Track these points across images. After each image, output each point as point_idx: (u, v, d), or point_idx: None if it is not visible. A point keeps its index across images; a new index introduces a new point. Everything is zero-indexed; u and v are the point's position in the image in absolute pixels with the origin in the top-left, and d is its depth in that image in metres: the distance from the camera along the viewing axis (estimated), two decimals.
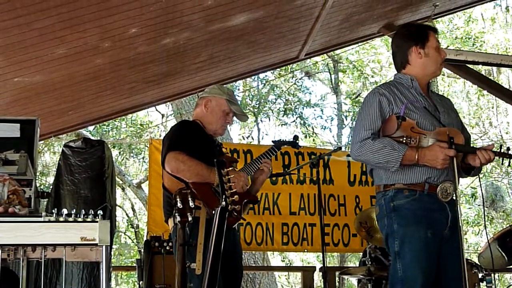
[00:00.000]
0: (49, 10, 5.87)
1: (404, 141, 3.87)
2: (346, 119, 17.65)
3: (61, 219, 2.85)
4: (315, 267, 8.82)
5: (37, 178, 5.32)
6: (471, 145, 4.31)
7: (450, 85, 17.38)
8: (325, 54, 13.59)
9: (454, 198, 3.99)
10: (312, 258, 19.43)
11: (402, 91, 4.12)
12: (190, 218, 3.58)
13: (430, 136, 3.94)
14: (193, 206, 3.61)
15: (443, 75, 16.57)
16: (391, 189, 4.02)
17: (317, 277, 11.31)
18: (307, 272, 8.38)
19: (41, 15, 5.89)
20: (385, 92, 4.10)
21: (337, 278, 8.25)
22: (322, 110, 18.14)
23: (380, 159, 3.94)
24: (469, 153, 4.02)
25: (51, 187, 8.01)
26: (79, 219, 2.86)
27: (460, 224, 3.92)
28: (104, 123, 14.15)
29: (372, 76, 17.38)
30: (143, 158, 16.77)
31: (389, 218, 4.00)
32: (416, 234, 3.89)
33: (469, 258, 4.76)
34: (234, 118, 5.01)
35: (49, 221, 2.83)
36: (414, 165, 3.94)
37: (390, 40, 4.36)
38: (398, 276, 3.91)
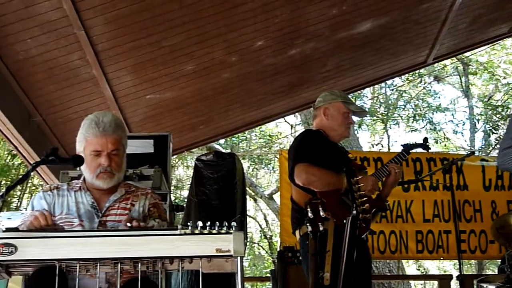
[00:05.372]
0: (178, 28, 6.05)
1: None
2: (478, 123, 17.11)
3: (196, 231, 2.89)
4: (451, 275, 8.60)
5: (171, 192, 5.48)
6: None
7: None
8: (454, 57, 13.29)
9: None
10: (448, 266, 19.05)
11: None
12: (321, 228, 3.56)
13: None
14: (323, 216, 3.59)
15: None
16: None
17: (454, 286, 11.04)
18: (444, 280, 8.23)
19: (170, 32, 6.08)
20: None
21: (475, 286, 8.02)
22: (453, 115, 17.74)
23: None
24: None
25: (185, 200, 8.19)
26: (214, 231, 2.90)
27: None
28: (234, 135, 14.39)
29: (504, 78, 16.82)
30: (273, 168, 16.90)
31: None
32: None
33: None
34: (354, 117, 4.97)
35: (185, 234, 2.88)
36: None
37: None
38: None
